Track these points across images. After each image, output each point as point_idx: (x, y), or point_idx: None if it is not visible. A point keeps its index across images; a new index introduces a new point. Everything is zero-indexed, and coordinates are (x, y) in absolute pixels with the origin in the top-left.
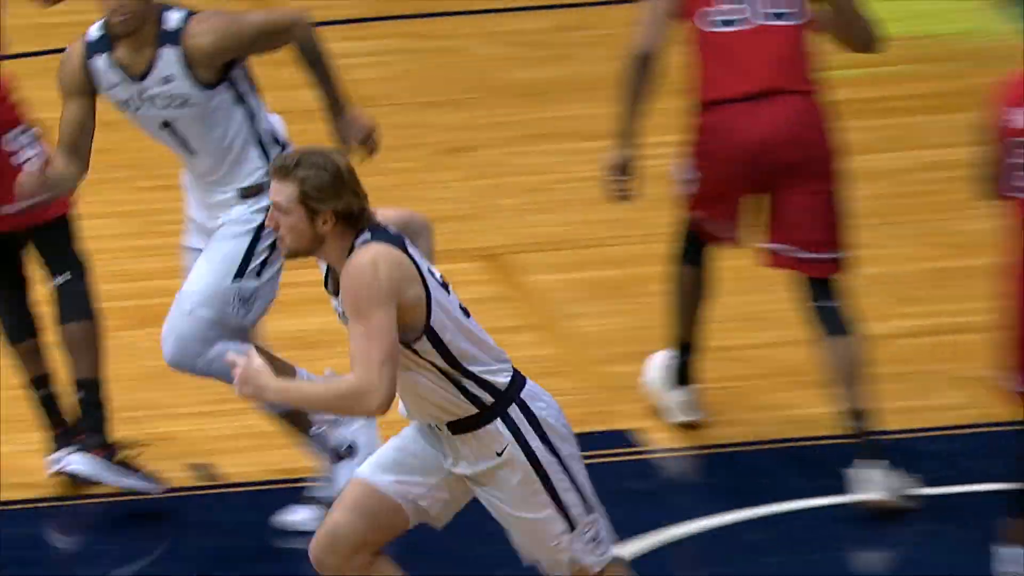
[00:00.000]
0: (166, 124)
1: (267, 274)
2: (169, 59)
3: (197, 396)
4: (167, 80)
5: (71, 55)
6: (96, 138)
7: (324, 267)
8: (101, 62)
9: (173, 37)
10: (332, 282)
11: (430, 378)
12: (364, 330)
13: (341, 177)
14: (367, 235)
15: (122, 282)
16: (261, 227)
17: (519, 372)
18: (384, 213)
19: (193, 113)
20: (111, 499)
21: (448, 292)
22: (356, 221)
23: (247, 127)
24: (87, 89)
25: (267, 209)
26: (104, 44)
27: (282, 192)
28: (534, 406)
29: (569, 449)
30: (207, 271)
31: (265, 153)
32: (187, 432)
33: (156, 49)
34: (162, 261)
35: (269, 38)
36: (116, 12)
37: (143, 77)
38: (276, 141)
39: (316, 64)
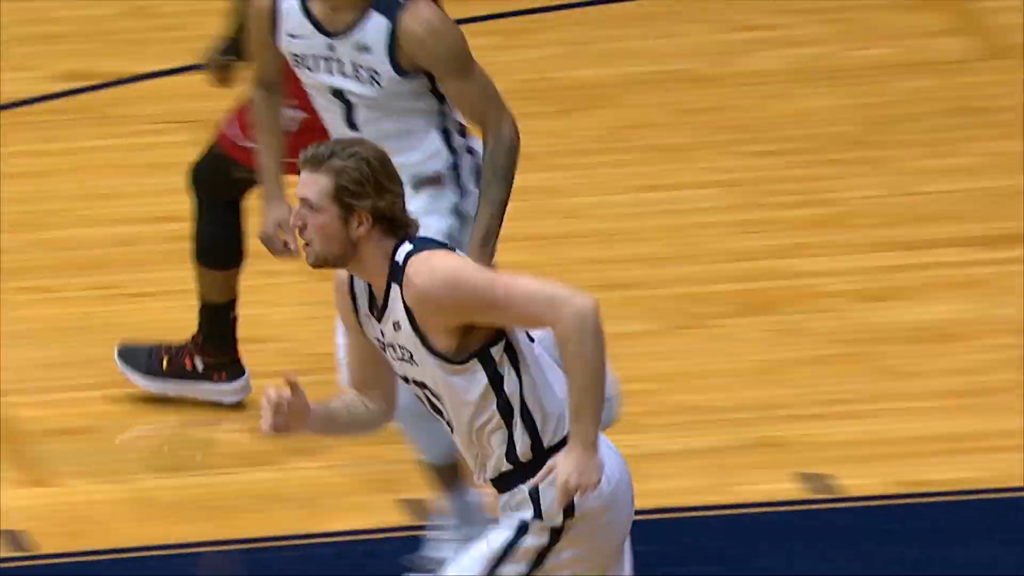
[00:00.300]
0: (339, 92)
1: None
2: (376, 29)
3: (812, 395)
4: (364, 48)
5: None
6: (697, 96)
7: (357, 284)
8: (292, 5)
9: (390, 6)
10: (370, 301)
11: (483, 407)
12: (505, 293)
13: (383, 171)
14: (406, 245)
15: (724, 262)
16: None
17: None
18: None
19: (376, 92)
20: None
21: None
22: (396, 226)
23: (431, 111)
24: (269, 25)
25: (455, 212)
26: None
27: (313, 185)
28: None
29: (584, 549)
30: None
31: (448, 141)
32: (799, 437)
33: (364, 11)
34: (770, 238)
35: (467, 94)
36: None
37: (336, 35)
38: (463, 133)
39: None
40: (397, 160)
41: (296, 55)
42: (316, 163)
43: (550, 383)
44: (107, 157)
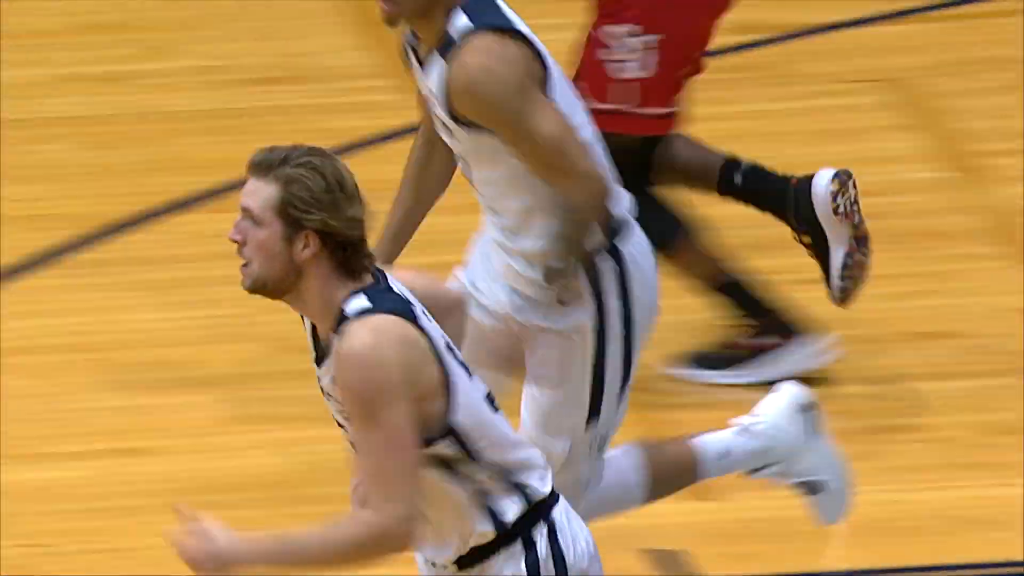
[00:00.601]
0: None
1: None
2: (437, 70)
3: None
4: (433, 95)
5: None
6: None
7: (307, 323)
8: (410, 35)
9: (448, 47)
10: (313, 342)
11: (444, 491)
12: (377, 440)
13: (341, 188)
14: (362, 299)
15: None
16: (601, 338)
17: (547, 498)
18: (401, 275)
19: (456, 147)
20: None
21: (471, 376)
22: (349, 259)
23: (541, 189)
24: (409, 70)
25: (577, 331)
26: None
27: (257, 195)
28: (562, 537)
29: None
30: (540, 418)
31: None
32: None
33: (434, 49)
34: None
35: (536, 159)
36: None
37: (424, 67)
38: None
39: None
40: (514, 239)
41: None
42: (264, 170)
43: (509, 440)
44: (777, 123)
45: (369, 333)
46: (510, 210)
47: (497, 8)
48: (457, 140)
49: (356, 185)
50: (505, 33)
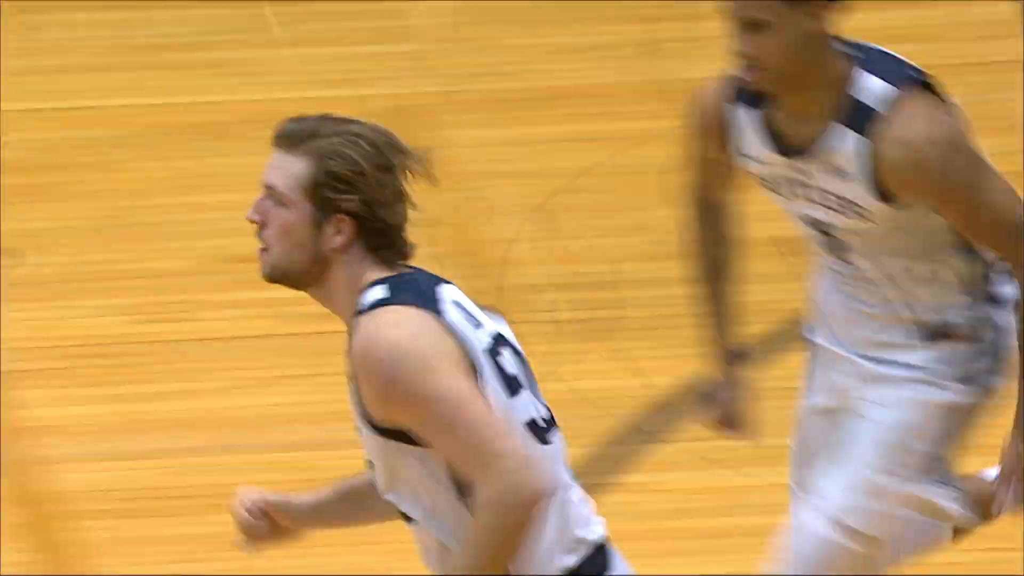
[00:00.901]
0: (818, 224)
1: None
2: (847, 146)
3: None
4: (838, 173)
5: (704, 92)
6: None
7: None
8: (743, 115)
9: (863, 118)
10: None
11: (441, 511)
12: (444, 418)
13: (385, 163)
14: (382, 289)
15: None
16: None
17: (604, 548)
18: None
19: (865, 230)
20: None
21: (516, 391)
22: (385, 247)
23: (948, 251)
24: (717, 139)
25: (967, 380)
26: (753, 93)
27: (283, 171)
28: None
29: None
30: (862, 458)
31: (971, 294)
32: None
33: (830, 121)
34: None
35: (977, 225)
36: (749, 65)
37: (801, 152)
38: (987, 286)
39: None
40: (902, 309)
41: (756, 176)
42: (293, 142)
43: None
44: None
45: (385, 317)
46: (915, 288)
47: (898, 59)
48: (864, 222)
49: (397, 151)
50: (926, 88)
